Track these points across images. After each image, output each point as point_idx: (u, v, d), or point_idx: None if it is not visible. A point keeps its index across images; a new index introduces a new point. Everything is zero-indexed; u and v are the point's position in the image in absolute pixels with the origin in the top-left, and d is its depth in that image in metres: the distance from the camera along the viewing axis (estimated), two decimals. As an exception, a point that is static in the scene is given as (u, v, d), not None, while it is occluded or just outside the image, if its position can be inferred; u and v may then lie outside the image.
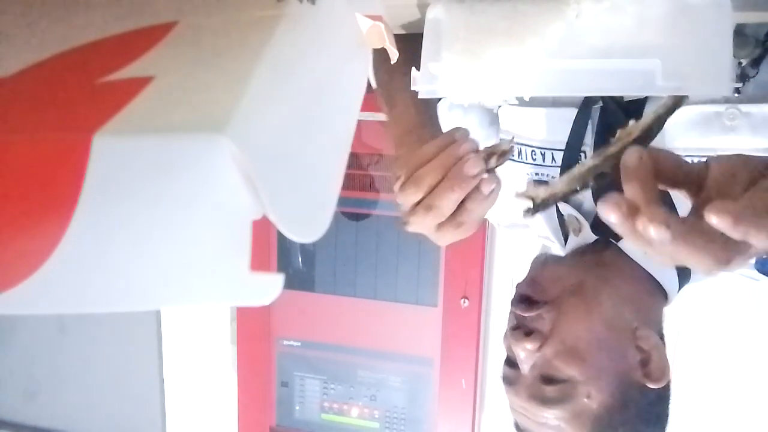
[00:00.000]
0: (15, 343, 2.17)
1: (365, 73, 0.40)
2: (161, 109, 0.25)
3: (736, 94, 0.63)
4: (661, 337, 0.72)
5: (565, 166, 0.73)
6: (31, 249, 0.24)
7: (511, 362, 0.71)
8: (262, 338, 1.87)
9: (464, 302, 1.69)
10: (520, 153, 0.77)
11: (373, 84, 0.71)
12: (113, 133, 0.23)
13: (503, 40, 0.41)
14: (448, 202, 0.49)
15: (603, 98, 0.69)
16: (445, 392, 1.76)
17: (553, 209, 0.77)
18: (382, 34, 0.42)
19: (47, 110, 0.26)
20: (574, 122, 0.71)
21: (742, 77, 0.62)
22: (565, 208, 0.76)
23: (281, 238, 1.76)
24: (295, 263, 1.80)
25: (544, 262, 0.75)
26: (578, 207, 0.76)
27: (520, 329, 0.69)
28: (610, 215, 0.38)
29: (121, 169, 0.23)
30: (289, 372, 1.88)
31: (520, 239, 0.88)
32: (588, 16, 0.40)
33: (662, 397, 0.71)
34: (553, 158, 0.75)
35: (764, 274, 0.72)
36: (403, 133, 0.66)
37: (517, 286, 0.74)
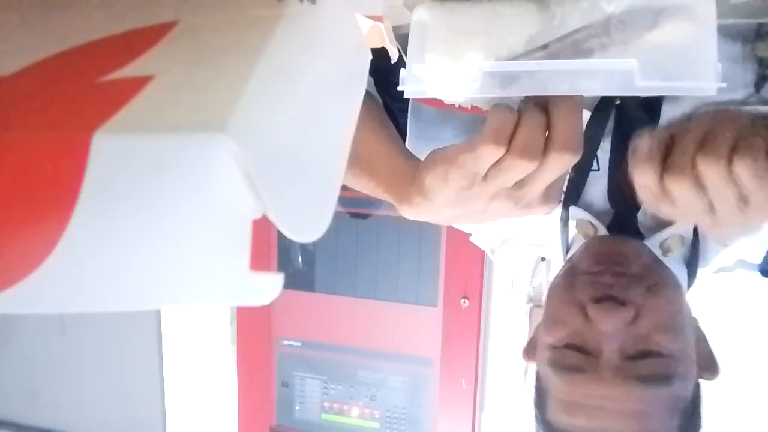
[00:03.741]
0: (15, 343, 2.17)
1: (365, 73, 0.40)
2: (161, 107, 0.25)
3: (757, 95, 0.62)
4: None
5: (577, 173, 0.70)
6: (30, 247, 0.24)
7: (577, 348, 0.61)
8: (262, 338, 1.87)
9: (464, 302, 1.69)
10: None
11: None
12: (113, 132, 0.23)
13: (483, 41, 0.42)
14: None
15: (621, 97, 0.65)
16: (445, 392, 1.76)
17: (555, 216, 0.73)
18: (382, 34, 0.42)
19: (47, 109, 0.26)
20: (588, 125, 0.67)
21: (762, 79, 0.61)
22: (576, 213, 0.71)
23: (281, 238, 1.76)
24: (295, 263, 1.80)
25: (615, 239, 0.68)
26: (588, 209, 0.72)
27: (610, 300, 0.59)
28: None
29: (121, 168, 0.23)
30: (289, 372, 1.88)
31: (513, 253, 0.85)
32: (566, 17, 0.41)
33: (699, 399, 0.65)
34: None
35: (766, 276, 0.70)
36: (404, 173, 0.56)
37: (588, 265, 0.65)
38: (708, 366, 0.65)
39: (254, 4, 0.31)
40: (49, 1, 0.34)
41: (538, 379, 0.68)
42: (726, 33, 0.64)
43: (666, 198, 0.46)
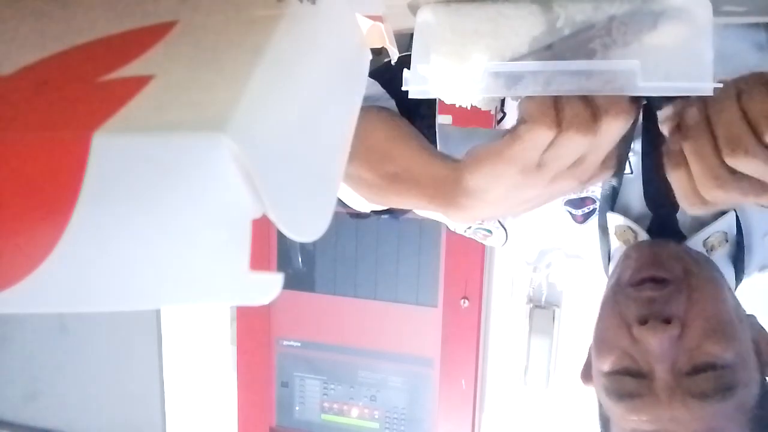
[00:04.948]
0: (15, 343, 2.17)
1: (365, 73, 0.40)
2: (161, 107, 0.25)
3: None
4: None
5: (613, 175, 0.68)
6: (30, 247, 0.24)
7: (631, 372, 0.59)
8: (262, 338, 1.87)
9: (464, 302, 1.69)
10: None
11: (357, 195, 0.62)
12: (113, 132, 0.23)
13: (487, 42, 0.42)
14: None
15: (647, 97, 0.64)
16: (445, 392, 1.76)
17: (592, 225, 0.71)
18: (382, 34, 0.42)
19: (46, 108, 0.26)
20: None
21: None
22: (614, 218, 0.69)
23: (281, 238, 1.76)
24: (295, 263, 1.80)
25: (652, 244, 0.66)
26: (626, 213, 0.69)
27: (654, 318, 0.58)
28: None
29: (121, 168, 0.23)
30: (289, 372, 1.88)
31: (550, 266, 0.83)
32: (570, 19, 0.41)
33: None
34: None
35: None
36: (445, 177, 0.53)
37: (630, 273, 0.63)
38: None
39: (254, 3, 0.31)
40: (49, 0, 0.34)
41: (600, 405, 0.66)
42: (750, 22, 0.63)
43: (713, 204, 0.45)
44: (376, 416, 1.83)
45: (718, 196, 0.43)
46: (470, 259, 1.67)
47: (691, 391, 0.56)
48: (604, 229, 0.71)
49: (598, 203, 0.71)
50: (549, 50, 0.41)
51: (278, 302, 1.72)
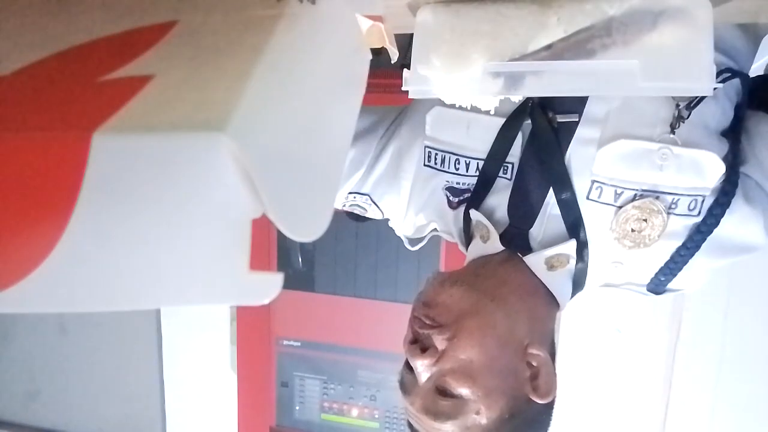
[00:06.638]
0: (15, 344, 2.17)
1: (365, 73, 0.40)
2: (161, 107, 0.24)
3: (671, 135, 0.65)
4: (553, 344, 0.75)
5: (483, 177, 0.74)
6: (30, 247, 0.24)
7: (410, 368, 0.73)
8: (262, 338, 1.87)
9: (464, 302, 1.69)
10: (443, 161, 0.76)
11: None
12: (113, 132, 0.23)
13: (487, 42, 0.42)
14: None
15: (532, 115, 0.70)
16: (445, 392, 1.76)
17: (461, 211, 0.78)
18: (382, 34, 0.42)
19: (47, 108, 0.26)
20: (499, 133, 0.72)
21: (678, 119, 0.64)
22: (476, 215, 0.76)
23: (281, 237, 1.76)
24: (295, 263, 1.80)
25: (441, 283, 0.76)
26: (489, 215, 0.76)
27: (417, 344, 0.73)
28: None
29: (121, 168, 0.23)
30: (289, 372, 1.88)
31: (425, 239, 0.89)
32: (569, 19, 0.41)
33: (548, 406, 0.74)
34: (477, 168, 0.75)
35: (654, 293, 0.75)
36: None
37: (414, 306, 0.76)
38: (539, 390, 0.72)
39: (254, 3, 0.31)
40: (50, 1, 0.34)
41: None
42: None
43: None
44: (376, 416, 1.83)
45: None
46: (470, 259, 1.68)
47: (429, 407, 0.70)
48: (467, 220, 0.79)
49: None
50: (548, 50, 0.41)
51: (278, 302, 1.72)
